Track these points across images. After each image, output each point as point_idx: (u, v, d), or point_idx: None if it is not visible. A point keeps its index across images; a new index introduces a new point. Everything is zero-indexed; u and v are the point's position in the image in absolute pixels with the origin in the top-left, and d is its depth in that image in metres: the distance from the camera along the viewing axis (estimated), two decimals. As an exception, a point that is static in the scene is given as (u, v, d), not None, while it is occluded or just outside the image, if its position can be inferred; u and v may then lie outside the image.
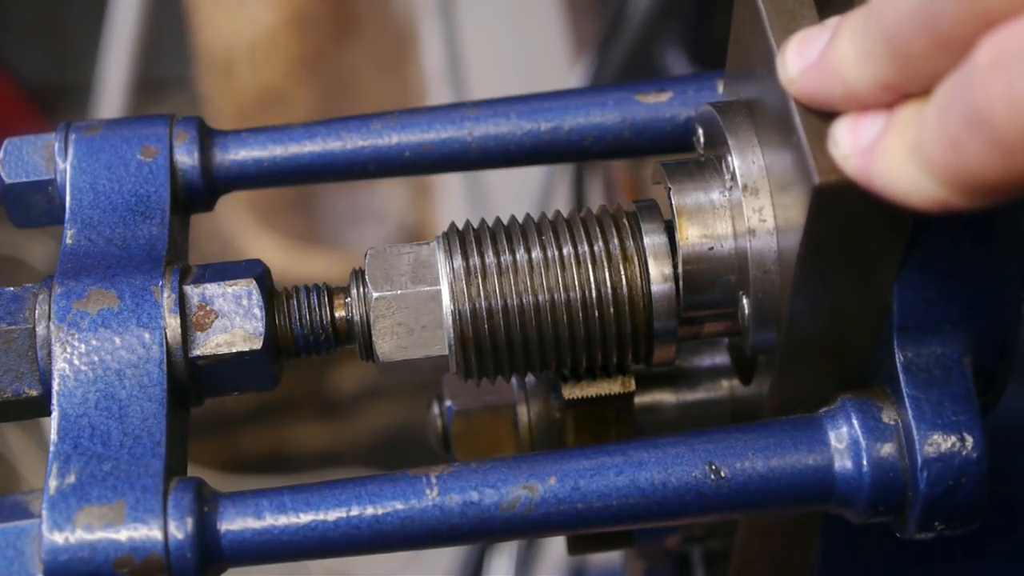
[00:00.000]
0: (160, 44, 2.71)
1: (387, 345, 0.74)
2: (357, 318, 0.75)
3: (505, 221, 0.77)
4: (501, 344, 0.74)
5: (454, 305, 0.73)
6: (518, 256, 0.74)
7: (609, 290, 0.73)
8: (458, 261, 0.74)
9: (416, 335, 0.73)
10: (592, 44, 1.66)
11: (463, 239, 0.75)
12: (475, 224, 0.77)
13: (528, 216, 0.77)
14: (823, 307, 0.69)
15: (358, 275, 0.75)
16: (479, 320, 0.73)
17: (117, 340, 0.71)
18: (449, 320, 0.73)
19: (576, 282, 0.73)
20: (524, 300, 0.73)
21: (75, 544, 0.66)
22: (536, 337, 0.74)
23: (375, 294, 0.74)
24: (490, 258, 0.74)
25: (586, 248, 0.74)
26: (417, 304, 0.74)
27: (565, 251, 0.74)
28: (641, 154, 0.83)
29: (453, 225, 0.76)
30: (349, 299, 0.75)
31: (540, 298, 0.73)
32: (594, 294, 0.73)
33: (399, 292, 0.74)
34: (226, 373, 0.73)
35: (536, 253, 0.74)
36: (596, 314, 0.73)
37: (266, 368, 0.74)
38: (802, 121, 0.64)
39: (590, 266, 0.73)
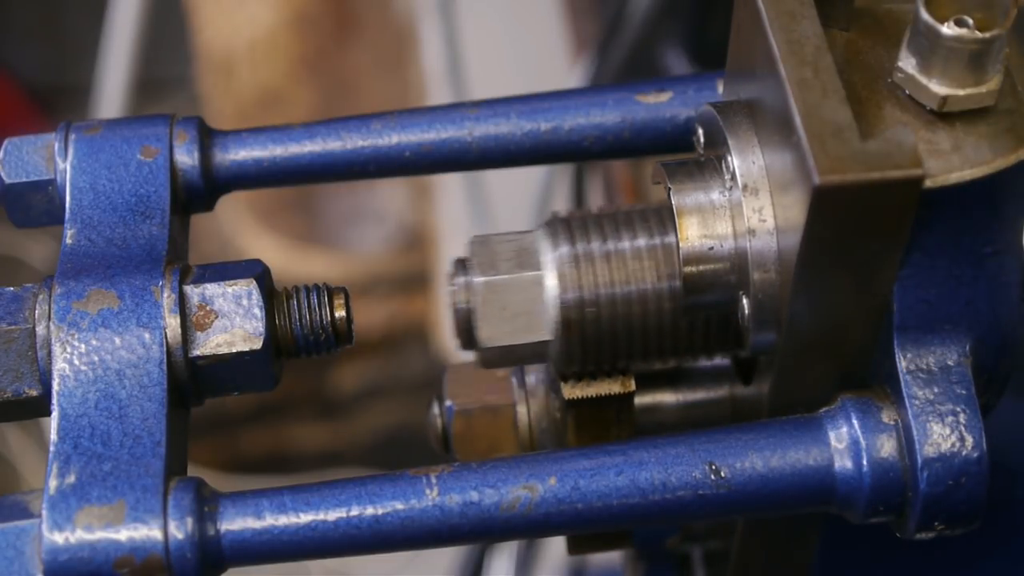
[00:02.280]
0: (160, 44, 2.71)
1: (490, 330, 0.73)
2: (461, 306, 0.74)
3: (605, 210, 0.76)
4: (605, 333, 0.74)
5: (559, 291, 0.73)
6: (623, 244, 0.74)
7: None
8: (563, 248, 0.74)
9: (520, 320, 0.73)
10: (592, 44, 1.66)
11: (568, 226, 0.75)
12: (577, 214, 0.76)
13: (631, 205, 0.77)
14: (823, 307, 0.69)
15: (461, 263, 0.75)
16: (585, 307, 0.73)
17: (117, 340, 0.71)
18: (554, 305, 0.73)
19: (679, 270, 0.73)
20: (630, 288, 0.73)
21: (75, 544, 0.66)
22: (640, 325, 0.74)
23: (481, 278, 0.73)
24: (595, 246, 0.74)
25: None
26: (522, 289, 0.73)
27: (668, 239, 0.74)
28: (641, 154, 0.83)
29: (556, 214, 0.76)
30: (453, 286, 0.75)
31: (646, 286, 0.73)
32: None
33: (504, 277, 0.74)
34: (226, 373, 0.73)
35: (642, 240, 0.74)
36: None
37: (266, 368, 0.74)
38: (802, 121, 0.65)
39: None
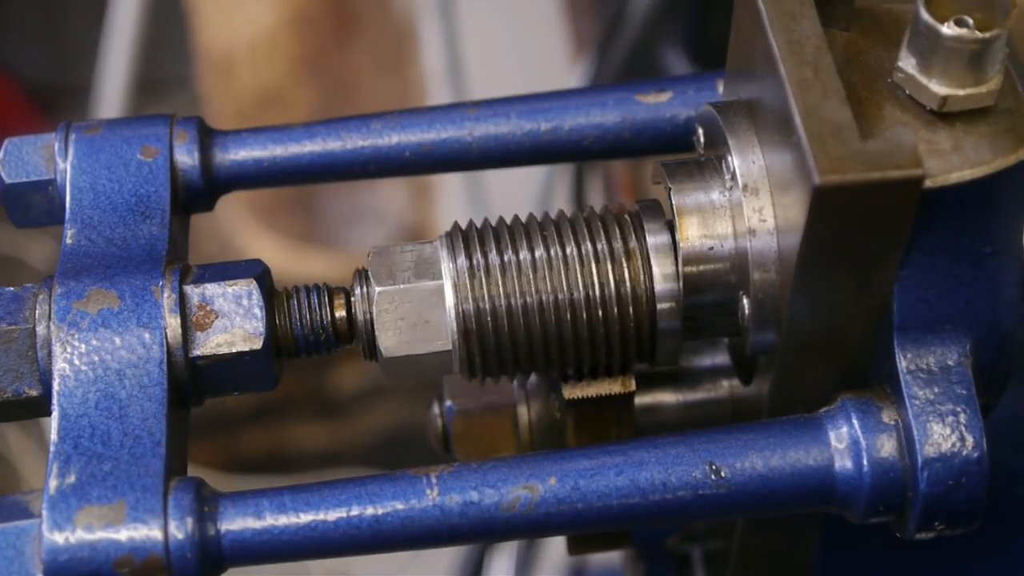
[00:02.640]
0: (160, 44, 2.71)
1: (389, 340, 0.74)
2: (360, 316, 0.75)
3: (508, 221, 0.77)
4: (505, 342, 0.74)
5: (457, 300, 0.73)
6: (522, 255, 0.74)
7: (613, 289, 0.73)
8: (461, 258, 0.74)
9: (419, 330, 0.73)
10: (592, 44, 1.66)
11: (466, 237, 0.75)
12: (478, 224, 0.77)
13: (531, 215, 0.77)
14: (823, 307, 0.69)
15: (361, 274, 0.75)
16: (483, 317, 0.73)
17: (117, 340, 0.71)
18: (452, 315, 0.73)
19: (580, 281, 0.73)
20: (528, 299, 0.73)
21: (75, 544, 0.66)
22: (540, 336, 0.74)
23: (377, 289, 0.74)
24: (493, 256, 0.74)
25: (590, 247, 0.74)
26: (420, 299, 0.74)
27: (568, 250, 0.74)
28: (641, 154, 0.83)
29: (456, 224, 0.76)
30: (353, 298, 0.75)
31: (544, 297, 0.73)
32: (598, 293, 0.73)
33: (401, 286, 0.74)
34: (226, 373, 0.73)
35: (540, 252, 0.74)
36: (600, 313, 0.73)
37: (266, 368, 0.74)
38: (802, 121, 0.65)
39: (594, 265, 0.73)
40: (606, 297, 0.73)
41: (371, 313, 0.74)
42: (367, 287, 0.75)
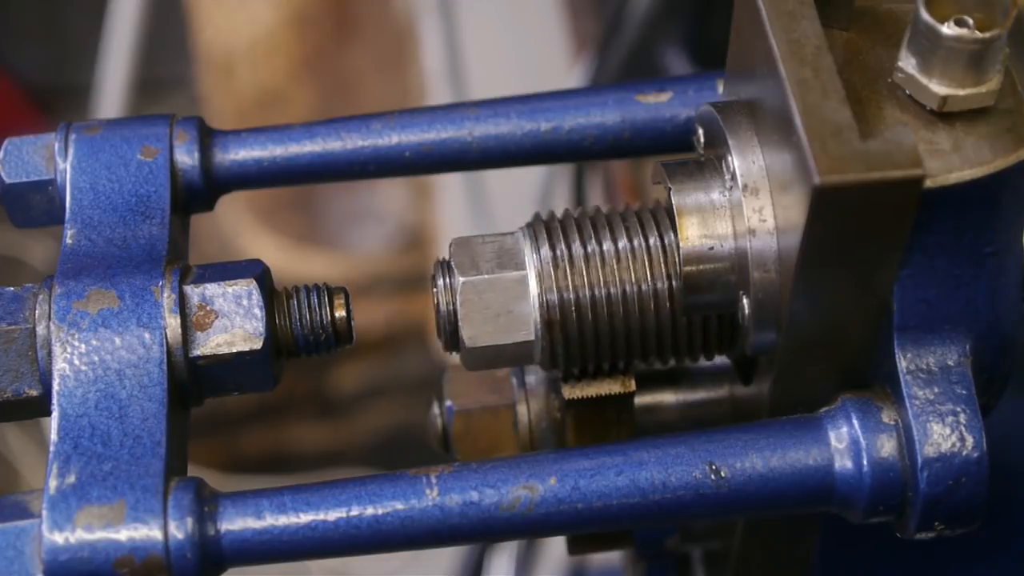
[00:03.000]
0: (160, 44, 2.71)
1: (473, 330, 0.73)
2: (444, 307, 0.74)
3: (589, 212, 0.76)
4: (588, 332, 0.74)
5: (541, 290, 0.73)
6: (604, 245, 0.74)
7: None
8: (544, 249, 0.74)
9: (502, 320, 0.73)
10: (592, 44, 1.66)
11: (548, 228, 0.75)
12: (559, 215, 0.77)
13: (611, 207, 0.77)
14: (823, 307, 0.69)
15: (443, 264, 0.75)
16: (566, 307, 0.73)
17: (117, 340, 0.71)
18: (536, 305, 0.73)
19: (663, 271, 0.73)
20: (611, 289, 0.73)
21: (75, 544, 0.66)
22: (623, 326, 0.74)
23: (462, 279, 0.73)
24: (576, 247, 0.74)
25: (673, 237, 0.74)
26: (504, 289, 0.74)
27: (652, 240, 0.74)
28: (641, 154, 0.83)
29: (537, 215, 0.77)
30: (435, 289, 0.75)
31: (627, 287, 0.73)
32: (680, 283, 0.73)
33: (486, 277, 0.74)
34: (226, 373, 0.73)
35: (622, 242, 0.74)
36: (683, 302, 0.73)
37: (266, 368, 0.74)
38: (802, 121, 0.65)
39: (676, 254, 0.73)
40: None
41: (455, 303, 0.74)
42: (450, 278, 0.74)
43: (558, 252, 0.74)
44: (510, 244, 0.75)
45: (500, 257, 0.74)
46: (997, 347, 0.71)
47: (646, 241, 0.74)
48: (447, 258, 0.75)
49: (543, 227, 0.75)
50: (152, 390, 0.71)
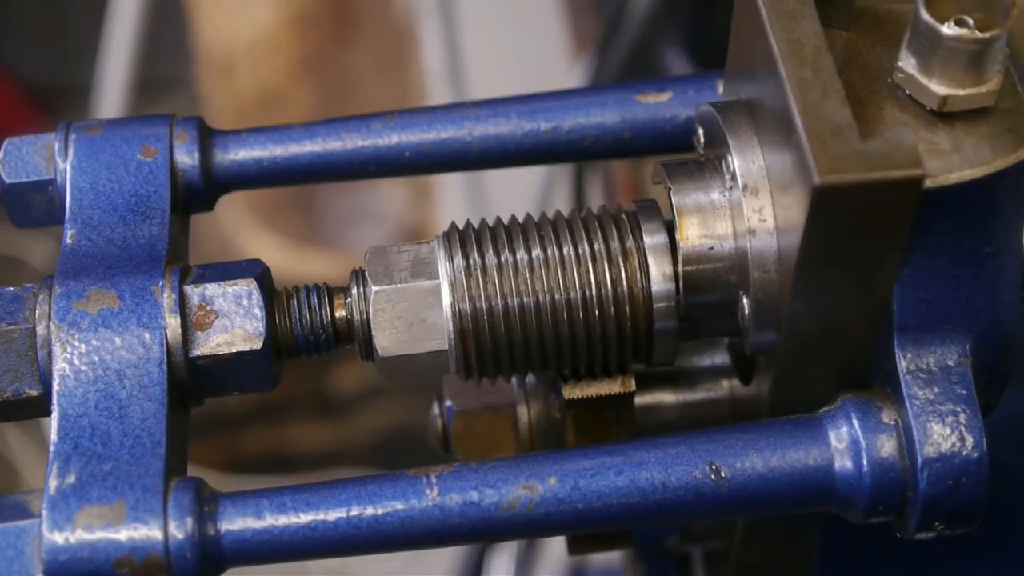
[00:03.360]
0: (160, 44, 2.71)
1: (386, 339, 0.74)
2: (357, 316, 0.75)
3: (506, 221, 0.77)
4: (502, 342, 0.74)
5: (453, 299, 0.73)
6: (518, 255, 0.74)
7: (610, 289, 0.73)
8: (458, 259, 0.74)
9: (416, 329, 0.73)
10: (592, 44, 1.66)
11: (463, 237, 0.75)
12: (475, 224, 0.77)
13: (528, 216, 0.77)
14: (823, 307, 0.69)
15: (358, 274, 0.75)
16: (479, 316, 0.73)
17: (117, 340, 0.71)
18: (448, 314, 0.73)
19: (577, 281, 0.73)
20: (524, 299, 0.73)
21: (75, 544, 0.66)
22: (537, 336, 0.74)
23: (374, 288, 0.74)
24: (490, 257, 0.74)
25: (586, 247, 0.74)
26: (416, 298, 0.74)
27: (566, 250, 0.74)
28: (641, 154, 0.83)
29: (453, 224, 0.76)
30: (350, 298, 0.75)
31: (540, 297, 0.73)
32: (595, 293, 0.73)
33: (398, 286, 0.74)
34: (226, 373, 0.73)
35: (536, 252, 0.74)
36: (597, 313, 0.73)
37: (266, 368, 0.74)
38: (802, 121, 0.65)
39: (591, 265, 0.73)
40: (602, 297, 0.73)
41: (368, 313, 0.74)
42: (364, 287, 0.75)
43: (471, 261, 0.74)
44: (425, 253, 0.75)
45: (414, 266, 0.74)
46: (997, 347, 0.71)
47: (560, 251, 0.74)
48: (362, 267, 0.75)
49: (457, 236, 0.75)
50: (152, 390, 0.71)
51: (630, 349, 0.75)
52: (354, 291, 0.75)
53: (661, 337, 0.74)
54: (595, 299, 0.73)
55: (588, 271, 0.73)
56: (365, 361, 0.76)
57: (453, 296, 0.73)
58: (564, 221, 0.75)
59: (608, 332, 0.74)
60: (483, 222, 0.77)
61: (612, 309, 0.73)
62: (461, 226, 0.76)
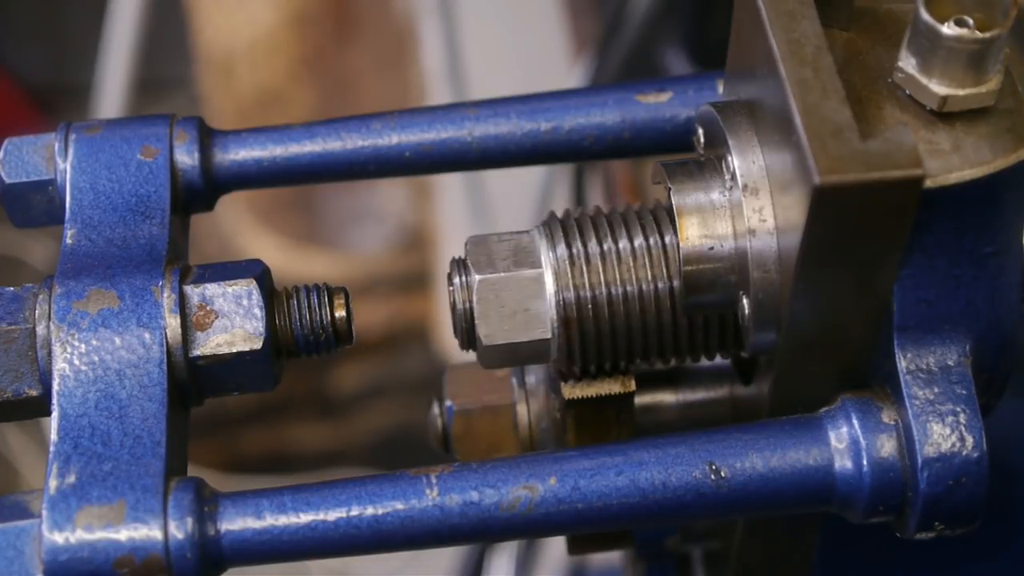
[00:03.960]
0: (160, 44, 2.72)
1: (489, 328, 0.74)
2: (460, 305, 0.74)
3: (604, 210, 0.77)
4: (604, 330, 0.74)
5: (557, 288, 0.73)
6: (620, 243, 0.74)
7: None
8: (561, 247, 0.74)
9: (519, 318, 0.74)
10: (592, 44, 1.66)
11: (564, 226, 0.75)
12: (575, 214, 0.77)
13: (628, 205, 0.77)
14: (823, 307, 0.69)
15: (459, 263, 0.75)
16: (583, 305, 0.73)
17: (117, 340, 0.71)
18: (552, 303, 0.73)
19: (680, 268, 0.73)
20: (628, 287, 0.74)
21: (75, 544, 0.66)
22: (639, 324, 0.74)
23: (478, 277, 0.74)
24: (592, 245, 0.74)
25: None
26: (520, 287, 0.74)
27: (668, 238, 0.74)
28: (641, 154, 0.83)
29: (552, 213, 0.77)
30: (451, 287, 0.75)
31: (644, 285, 0.74)
32: None
33: (502, 275, 0.74)
34: (226, 373, 0.73)
35: (639, 240, 0.74)
36: None
37: (266, 368, 0.74)
38: (802, 121, 0.65)
39: None
40: None
41: (471, 302, 0.74)
42: (467, 276, 0.75)
43: (574, 250, 0.74)
44: (526, 242, 0.75)
45: (516, 255, 0.75)
46: (997, 347, 0.71)
47: (662, 239, 0.74)
48: (463, 256, 0.75)
49: (559, 225, 0.76)
50: (152, 390, 0.71)
51: (731, 336, 0.75)
52: (456, 280, 0.75)
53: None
54: None
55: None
56: (466, 350, 0.75)
57: (557, 285, 0.73)
58: (664, 209, 0.75)
59: (711, 319, 0.74)
60: (582, 210, 0.77)
61: None
62: (561, 214, 0.76)
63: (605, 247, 0.74)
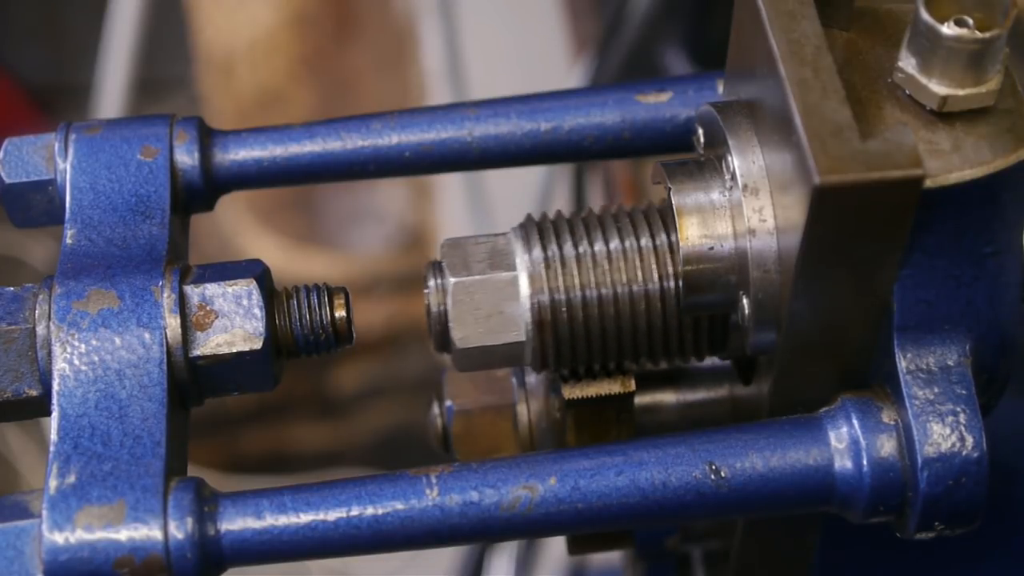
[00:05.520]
0: (160, 44, 2.72)
1: (464, 331, 0.73)
2: (435, 308, 0.74)
3: (581, 213, 0.77)
4: (579, 333, 0.74)
5: (532, 291, 0.73)
6: (596, 246, 0.74)
7: None
8: (536, 250, 0.74)
9: (493, 320, 0.73)
10: (592, 44, 1.66)
11: (540, 229, 0.75)
12: (551, 216, 0.77)
13: (604, 207, 0.77)
14: (823, 307, 0.69)
15: (435, 266, 0.75)
16: (557, 308, 0.73)
17: (117, 340, 0.71)
18: (527, 306, 0.73)
19: (654, 272, 0.73)
20: (603, 290, 0.73)
21: (75, 544, 0.66)
22: (614, 327, 0.74)
23: (452, 280, 0.74)
24: (568, 248, 0.74)
25: (664, 237, 0.74)
26: (495, 290, 0.74)
27: (643, 241, 0.74)
28: (641, 154, 0.83)
29: (529, 216, 0.77)
30: (427, 290, 0.75)
31: (619, 288, 0.73)
32: (672, 284, 0.73)
33: (477, 277, 0.74)
34: (226, 373, 0.73)
35: (614, 243, 0.74)
36: (674, 303, 0.73)
37: (266, 368, 0.74)
38: (802, 121, 0.65)
39: (668, 255, 0.73)
40: (679, 288, 0.73)
41: (446, 304, 0.74)
42: (441, 278, 0.74)
43: (549, 253, 0.74)
44: (502, 245, 0.75)
45: (492, 258, 0.74)
46: (997, 347, 0.71)
47: (638, 242, 0.74)
48: (439, 259, 0.75)
49: (535, 227, 0.75)
50: (152, 390, 0.71)
51: (706, 339, 0.75)
52: (431, 283, 0.75)
53: (736, 327, 0.74)
54: (672, 289, 0.73)
55: (666, 261, 0.73)
56: (439, 353, 0.75)
57: (531, 287, 0.73)
58: (640, 212, 0.75)
59: (685, 322, 0.74)
60: (558, 213, 0.77)
61: None
62: (537, 217, 0.76)
63: (581, 249, 0.74)
